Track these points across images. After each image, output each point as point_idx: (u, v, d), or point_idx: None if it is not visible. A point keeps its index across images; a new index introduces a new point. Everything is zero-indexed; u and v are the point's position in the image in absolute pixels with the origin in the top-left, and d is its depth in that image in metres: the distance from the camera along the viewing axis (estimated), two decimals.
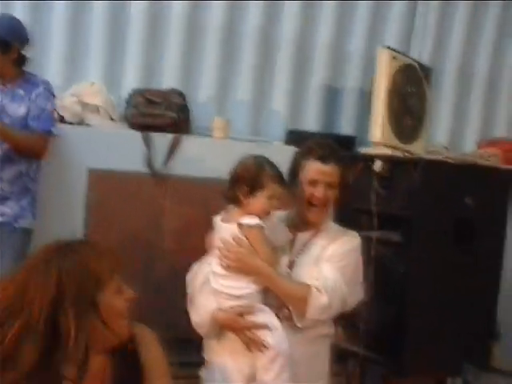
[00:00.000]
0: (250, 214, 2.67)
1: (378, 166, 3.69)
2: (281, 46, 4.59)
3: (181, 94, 4.20)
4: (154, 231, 3.97)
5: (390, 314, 3.58)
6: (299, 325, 2.70)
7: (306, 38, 4.64)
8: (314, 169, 2.80)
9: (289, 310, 2.73)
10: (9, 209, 3.67)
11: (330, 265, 2.75)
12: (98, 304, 1.86)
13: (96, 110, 4.09)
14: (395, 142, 3.84)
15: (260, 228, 2.65)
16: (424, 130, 4.05)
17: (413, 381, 3.74)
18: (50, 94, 3.80)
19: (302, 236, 2.86)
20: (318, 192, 2.77)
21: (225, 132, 4.17)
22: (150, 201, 3.97)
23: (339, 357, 3.78)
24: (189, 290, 2.84)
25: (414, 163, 3.57)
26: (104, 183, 3.94)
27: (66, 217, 3.85)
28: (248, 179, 2.66)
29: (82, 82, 4.21)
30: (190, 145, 4.08)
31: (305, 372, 2.76)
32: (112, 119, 4.19)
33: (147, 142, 3.98)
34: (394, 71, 3.81)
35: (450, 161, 3.89)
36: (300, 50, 4.63)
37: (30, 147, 3.68)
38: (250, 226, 2.65)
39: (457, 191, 3.62)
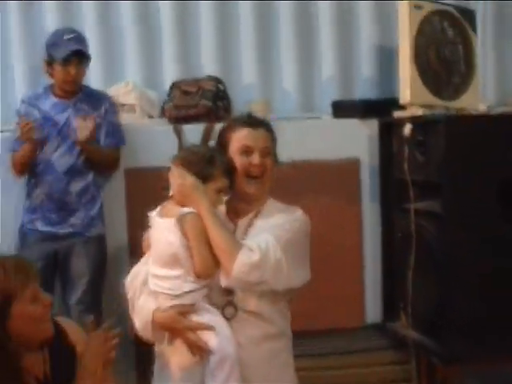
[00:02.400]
0: None
1: (407, 130, 3.39)
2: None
3: (217, 80, 4.08)
4: None
5: (434, 294, 3.27)
6: (224, 283, 2.45)
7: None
8: (244, 136, 2.53)
9: (235, 308, 2.49)
10: (79, 220, 3.77)
11: (267, 232, 2.47)
12: (12, 316, 2.10)
13: (132, 109, 4.06)
14: (432, 99, 3.49)
15: (198, 215, 2.46)
16: (473, 82, 3.64)
17: (465, 369, 3.40)
18: (116, 107, 3.91)
19: (243, 222, 2.60)
20: (254, 159, 2.50)
21: (265, 113, 3.96)
22: None
23: (402, 344, 3.63)
24: (129, 295, 2.64)
25: (445, 121, 3.21)
26: (141, 181, 3.91)
27: (110, 218, 3.89)
28: (199, 169, 2.49)
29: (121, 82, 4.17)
30: None
31: (258, 376, 2.53)
32: (151, 116, 4.15)
33: (178, 135, 3.90)
34: (420, 21, 3.45)
35: (490, 113, 3.48)
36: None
37: (107, 162, 3.82)
38: (188, 214, 2.45)
39: (501, 148, 3.21)
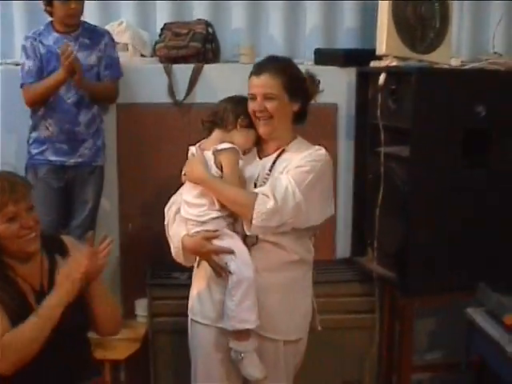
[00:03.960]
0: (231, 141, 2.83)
1: (381, 79, 3.62)
2: None
3: (207, 24, 4.24)
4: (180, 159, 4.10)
5: (399, 232, 3.54)
6: (248, 232, 2.73)
7: None
8: (250, 84, 2.85)
9: (256, 237, 2.76)
10: (87, 150, 3.94)
11: (287, 173, 2.75)
12: None
13: (125, 47, 4.23)
14: (407, 52, 3.69)
15: (233, 151, 2.77)
16: (446, 38, 3.83)
17: (422, 302, 3.68)
18: (114, 42, 4.06)
19: (268, 160, 2.88)
20: (255, 105, 2.79)
21: (251, 57, 4.16)
22: (175, 130, 4.14)
23: (368, 277, 3.91)
24: (165, 221, 2.99)
25: (417, 73, 3.42)
26: (131, 116, 4.15)
27: None
28: (244, 112, 2.83)
29: (115, 21, 4.32)
30: (215, 73, 4.16)
31: (273, 300, 2.80)
32: (143, 55, 4.32)
33: (168, 74, 4.10)
34: None
35: (459, 67, 3.70)
36: None
37: (105, 94, 4.00)
38: (224, 149, 2.77)
39: (467, 100, 3.45)
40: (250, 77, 2.86)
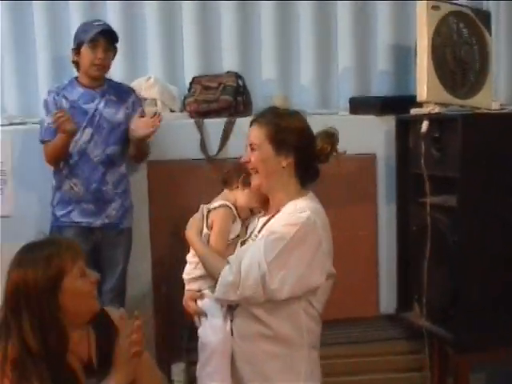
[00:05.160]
0: (232, 201, 2.78)
1: (424, 127, 3.49)
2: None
3: (237, 76, 4.17)
4: None
5: (448, 285, 3.38)
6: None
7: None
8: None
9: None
10: (114, 211, 3.81)
11: (260, 240, 2.58)
12: (62, 288, 2.25)
13: (153, 103, 4.14)
14: (448, 98, 3.58)
15: (224, 209, 2.74)
16: (487, 82, 3.72)
17: (478, 358, 3.49)
18: (140, 99, 3.99)
19: (263, 219, 2.74)
20: (243, 157, 2.71)
21: (286, 107, 4.06)
22: (208, 186, 3.92)
23: (415, 334, 3.74)
24: None
25: (462, 119, 3.29)
26: (162, 173, 4.03)
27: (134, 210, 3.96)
28: (246, 170, 2.73)
29: (142, 77, 4.24)
30: (248, 126, 4.01)
31: (247, 373, 2.64)
32: (172, 111, 4.23)
33: (200, 128, 4.00)
34: (437, 21, 3.53)
35: (501, 111, 3.58)
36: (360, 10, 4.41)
37: (147, 151, 3.91)
38: (216, 208, 2.76)
39: None
40: None
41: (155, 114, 3.72)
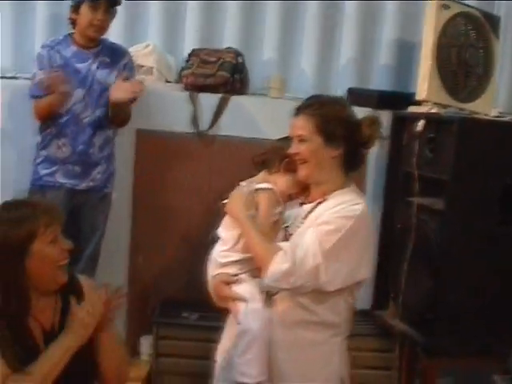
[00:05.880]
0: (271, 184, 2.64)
1: (420, 126, 3.44)
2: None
3: (237, 53, 4.08)
4: (200, 191, 3.95)
5: (427, 288, 3.34)
6: (261, 286, 2.52)
7: None
8: (289, 126, 2.61)
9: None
10: (99, 174, 3.72)
11: (314, 230, 2.47)
12: (31, 252, 2.22)
13: (150, 71, 4.07)
14: (448, 99, 3.54)
15: (271, 192, 2.58)
16: (489, 87, 3.68)
17: (447, 364, 3.47)
18: (133, 64, 3.87)
19: (307, 207, 2.62)
20: (291, 148, 2.57)
21: (281, 91, 4.03)
22: (195, 161, 3.97)
23: (387, 333, 3.71)
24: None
25: (459, 122, 3.25)
26: (151, 144, 3.97)
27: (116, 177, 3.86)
28: (263, 166, 2.66)
29: (141, 43, 4.17)
30: (242, 104, 3.99)
31: (287, 361, 2.55)
32: (168, 81, 4.16)
33: (194, 102, 3.93)
34: (445, 21, 3.48)
35: (501, 119, 3.54)
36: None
37: (126, 117, 3.76)
38: (262, 190, 2.59)
39: (508, 154, 3.28)
40: None
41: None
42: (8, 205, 2.29)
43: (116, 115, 3.66)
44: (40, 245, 2.23)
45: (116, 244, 3.96)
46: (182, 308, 3.79)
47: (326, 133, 2.52)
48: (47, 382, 2.18)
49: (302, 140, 2.54)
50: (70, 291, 2.35)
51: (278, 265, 2.44)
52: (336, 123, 2.54)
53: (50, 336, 2.27)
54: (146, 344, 3.86)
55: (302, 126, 2.54)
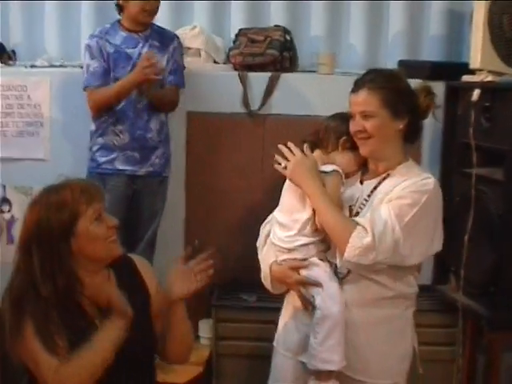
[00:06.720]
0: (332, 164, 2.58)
1: (475, 95, 3.35)
2: None
3: (285, 31, 4.04)
4: (253, 171, 3.93)
5: (489, 261, 3.25)
6: (338, 265, 2.48)
7: None
8: (349, 102, 2.55)
9: (348, 269, 2.49)
10: (158, 159, 3.73)
11: (388, 205, 2.44)
12: (76, 233, 2.24)
13: (197, 53, 4.06)
14: (502, 67, 3.40)
15: (337, 175, 2.52)
16: None
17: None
18: (182, 48, 3.87)
19: (370, 183, 2.59)
20: (353, 125, 2.52)
21: (330, 67, 3.97)
22: (247, 141, 3.94)
23: (449, 308, 3.64)
24: (257, 242, 2.77)
25: None
26: (202, 126, 3.96)
27: None
28: (347, 132, 2.57)
29: (188, 26, 4.16)
30: (292, 83, 3.94)
31: (364, 339, 2.53)
32: (216, 62, 4.14)
33: (243, 82, 3.91)
34: None
35: None
36: None
37: (170, 101, 3.75)
38: (328, 173, 2.52)
39: None
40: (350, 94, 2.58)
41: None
42: (47, 190, 2.31)
43: (157, 102, 3.66)
44: (84, 224, 2.24)
45: (171, 228, 3.96)
46: (239, 290, 3.79)
47: (392, 106, 2.49)
48: (103, 366, 2.16)
49: (366, 116, 2.49)
50: (122, 266, 2.38)
51: (358, 240, 2.40)
52: (400, 95, 2.52)
53: (107, 312, 2.25)
54: (205, 328, 3.86)
55: (366, 102, 2.49)
